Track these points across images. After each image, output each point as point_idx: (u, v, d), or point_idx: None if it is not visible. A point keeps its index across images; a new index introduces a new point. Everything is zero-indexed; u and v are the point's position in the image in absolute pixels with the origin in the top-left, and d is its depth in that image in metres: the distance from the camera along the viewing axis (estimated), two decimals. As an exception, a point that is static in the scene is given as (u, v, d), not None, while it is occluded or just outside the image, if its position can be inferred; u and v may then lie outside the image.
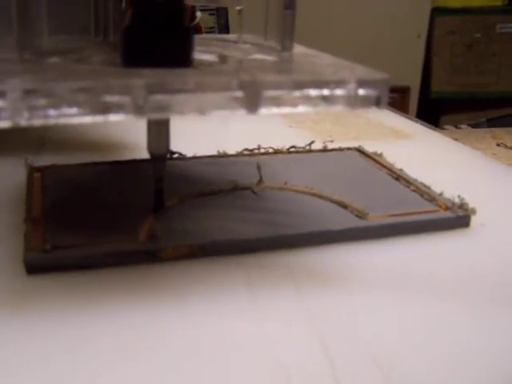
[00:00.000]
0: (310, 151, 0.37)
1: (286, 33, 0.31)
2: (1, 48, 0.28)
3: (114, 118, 0.21)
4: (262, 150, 0.36)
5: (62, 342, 0.20)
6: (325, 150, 0.38)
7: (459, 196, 0.30)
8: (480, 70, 1.31)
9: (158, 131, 0.28)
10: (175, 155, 0.34)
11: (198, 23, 0.61)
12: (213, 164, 0.34)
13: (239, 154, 0.36)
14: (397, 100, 1.23)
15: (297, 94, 0.24)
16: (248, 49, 0.32)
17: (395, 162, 0.36)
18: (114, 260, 0.24)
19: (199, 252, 0.25)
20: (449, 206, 0.30)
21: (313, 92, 0.24)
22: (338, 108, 0.24)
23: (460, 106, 1.29)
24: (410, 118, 0.57)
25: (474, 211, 0.30)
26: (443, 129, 0.66)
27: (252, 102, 0.23)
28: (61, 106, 0.21)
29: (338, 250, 0.27)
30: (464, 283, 0.25)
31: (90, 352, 0.19)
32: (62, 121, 0.21)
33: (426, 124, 0.63)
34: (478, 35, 1.29)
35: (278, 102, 0.23)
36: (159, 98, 0.22)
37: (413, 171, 0.34)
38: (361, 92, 0.24)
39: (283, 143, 0.38)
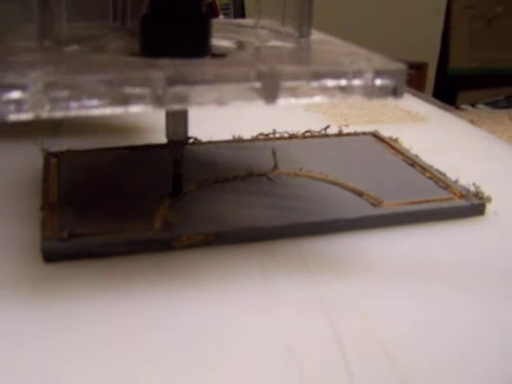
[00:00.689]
0: (326, 136, 0.38)
1: (304, 19, 0.32)
2: (19, 36, 0.28)
3: (133, 109, 0.22)
4: (277, 135, 0.37)
5: (79, 330, 0.21)
6: (340, 134, 0.38)
7: (474, 184, 0.31)
8: (500, 45, 1.29)
9: (177, 117, 0.29)
10: (190, 140, 0.35)
11: (213, 1, 0.61)
12: (228, 149, 0.35)
13: (254, 139, 0.36)
14: (413, 77, 1.21)
15: (314, 84, 0.24)
16: (265, 35, 0.33)
17: (411, 147, 0.36)
18: (130, 248, 0.25)
19: (214, 240, 0.26)
20: (464, 193, 0.30)
21: (330, 82, 0.24)
22: (355, 98, 0.25)
23: (478, 83, 1.27)
24: (427, 100, 0.57)
25: (489, 199, 0.30)
26: (460, 108, 0.66)
27: (270, 93, 0.23)
28: (82, 97, 0.21)
29: (352, 238, 0.27)
30: (478, 272, 0.26)
31: (106, 339, 0.20)
32: (83, 113, 0.21)
33: (442, 105, 0.63)
34: (499, 9, 1.26)
35: (295, 92, 0.24)
36: (178, 89, 0.22)
37: (428, 156, 0.35)
38: (378, 82, 0.25)
39: (299, 127, 0.39)
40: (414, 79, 1.22)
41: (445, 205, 0.29)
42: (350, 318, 0.22)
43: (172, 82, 0.22)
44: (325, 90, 0.24)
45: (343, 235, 0.27)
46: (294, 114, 0.44)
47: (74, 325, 0.21)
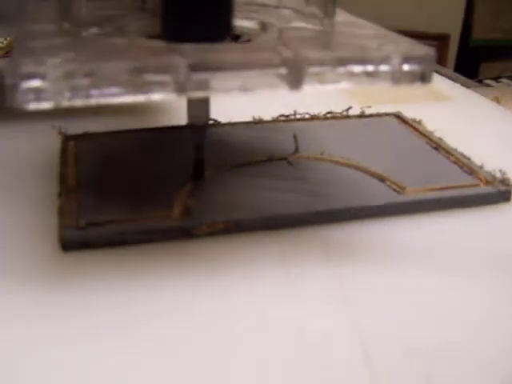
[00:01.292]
0: (347, 117, 0.37)
1: (329, -2, 0.31)
2: (38, 18, 0.28)
3: (155, 96, 0.22)
4: (298, 116, 0.36)
5: (98, 319, 0.21)
6: (362, 115, 0.37)
7: (501, 170, 0.30)
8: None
9: (199, 102, 0.29)
10: (210, 122, 0.34)
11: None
12: (248, 131, 0.34)
13: (275, 120, 0.36)
14: (435, 48, 1.19)
15: (341, 70, 0.23)
16: (288, 15, 0.32)
17: (434, 129, 0.35)
18: (149, 237, 0.24)
19: (234, 228, 0.25)
20: (489, 180, 0.30)
21: (357, 68, 0.24)
22: (383, 84, 0.24)
23: (502, 55, 1.24)
24: (450, 75, 0.56)
25: (515, 186, 0.30)
26: (483, 83, 0.64)
27: (295, 79, 0.23)
28: (102, 85, 0.21)
29: (374, 226, 0.27)
30: (505, 260, 0.25)
31: (126, 328, 0.20)
32: (104, 100, 0.21)
33: (464, 79, 0.61)
34: (525, -23, 1.22)
35: (321, 78, 0.23)
36: (201, 76, 0.22)
37: (452, 138, 0.34)
38: (405, 68, 0.24)
39: (321, 105, 0.38)
40: (435, 51, 1.20)
41: (470, 191, 0.29)
42: (370, 308, 0.22)
43: (195, 68, 0.21)
44: (351, 76, 0.24)
45: (365, 222, 0.27)
46: (317, 92, 0.43)
47: (92, 315, 0.21)
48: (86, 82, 0.21)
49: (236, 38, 0.29)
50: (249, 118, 0.36)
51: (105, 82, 0.21)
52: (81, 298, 0.22)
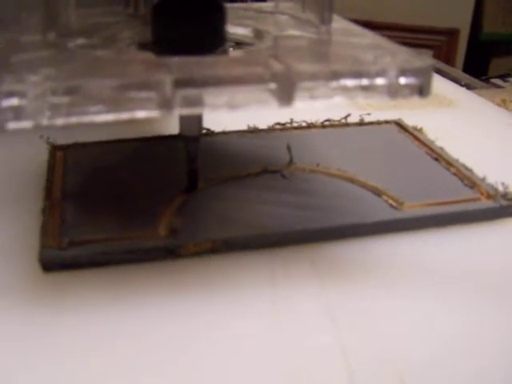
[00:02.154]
0: (346, 125, 0.36)
1: (325, 4, 0.30)
2: (24, 28, 0.27)
3: (140, 114, 0.21)
4: (295, 124, 0.36)
5: (79, 341, 0.20)
6: (361, 123, 0.36)
7: (503, 183, 0.29)
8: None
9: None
10: (203, 131, 0.34)
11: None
12: (242, 141, 0.34)
13: (270, 129, 0.35)
14: (444, 43, 1.17)
15: (334, 84, 0.23)
16: (284, 22, 0.31)
17: (436, 137, 0.35)
18: (133, 257, 0.24)
19: (223, 247, 0.25)
20: (491, 193, 0.29)
21: (351, 82, 0.23)
22: (378, 98, 0.24)
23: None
24: (456, 77, 0.55)
25: (519, 200, 0.29)
26: (489, 82, 0.63)
27: (285, 95, 0.22)
28: (84, 104, 0.20)
29: (369, 244, 0.26)
30: (506, 279, 0.24)
31: (107, 351, 0.20)
32: (86, 119, 0.21)
33: (470, 78, 0.60)
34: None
35: (313, 93, 0.22)
36: (188, 93, 0.21)
37: (454, 147, 0.33)
38: (402, 81, 0.23)
39: (320, 113, 0.37)
40: (444, 46, 1.18)
41: (470, 207, 0.28)
42: (359, 333, 0.21)
43: (181, 85, 0.21)
44: (345, 91, 0.23)
45: (360, 241, 0.26)
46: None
47: (72, 337, 0.20)
48: (66, 100, 0.20)
49: (229, 46, 0.28)
50: (244, 126, 0.35)
51: (86, 100, 0.20)
52: (61, 319, 0.21)
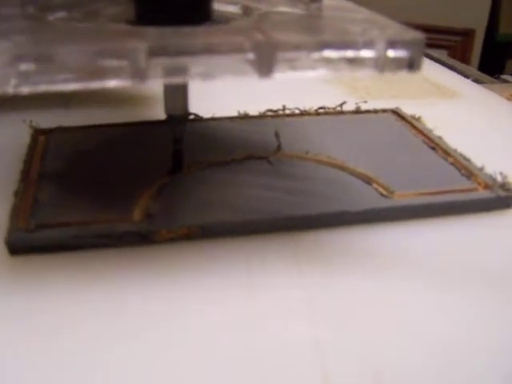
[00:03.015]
0: (341, 113, 0.35)
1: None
2: (2, 2, 0.27)
3: (110, 83, 0.20)
4: (288, 111, 0.35)
5: (43, 325, 0.19)
6: (357, 111, 0.35)
7: (501, 173, 0.28)
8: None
9: (175, 90, 0.27)
10: (190, 116, 0.33)
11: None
12: (231, 127, 0.33)
13: (261, 116, 0.34)
14: (459, 44, 1.16)
15: (316, 56, 0.22)
16: (277, 0, 0.30)
17: (435, 127, 0.34)
18: (104, 241, 0.23)
19: (198, 233, 0.24)
20: (489, 184, 0.27)
21: (335, 54, 0.22)
22: (365, 72, 0.23)
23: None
24: (464, 72, 0.54)
25: (517, 190, 0.27)
26: (501, 79, 0.62)
27: (265, 66, 0.21)
28: (52, 72, 0.20)
29: (356, 233, 0.25)
30: (502, 272, 0.23)
31: (75, 336, 0.19)
32: (54, 88, 0.20)
33: (480, 75, 0.59)
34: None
35: (294, 64, 0.22)
36: (160, 61, 0.20)
37: (454, 138, 0.32)
38: (391, 54, 0.22)
39: (317, 101, 0.36)
40: (459, 46, 1.17)
41: (466, 197, 0.26)
42: (336, 331, 0.20)
43: (154, 53, 0.20)
44: (329, 63, 0.22)
45: (345, 229, 0.25)
46: (311, 85, 0.41)
47: (37, 322, 0.20)
48: (33, 67, 0.20)
49: (214, 23, 0.27)
50: (235, 112, 0.34)
51: (55, 67, 0.20)
52: (23, 304, 0.20)
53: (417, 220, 0.26)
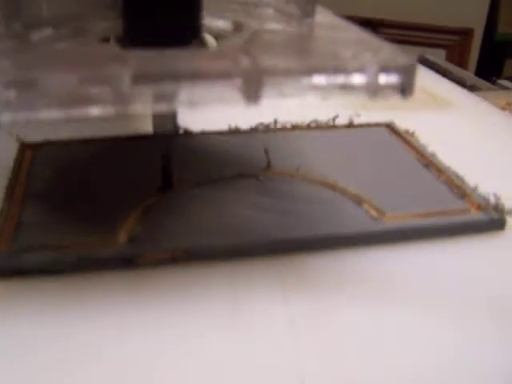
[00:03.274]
0: (333, 127, 0.35)
1: (308, -3, 0.29)
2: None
3: (94, 111, 0.20)
4: (279, 125, 0.34)
5: (25, 349, 0.19)
6: (350, 125, 0.35)
7: (495, 194, 0.28)
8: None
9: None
10: (180, 131, 0.32)
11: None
12: (221, 142, 0.32)
13: (252, 130, 0.33)
14: (457, 43, 1.15)
15: (305, 82, 0.21)
16: (267, 15, 0.30)
17: (429, 141, 0.33)
18: (87, 265, 0.22)
19: (182, 257, 0.23)
20: (481, 205, 0.27)
21: (325, 80, 0.21)
22: (356, 97, 0.22)
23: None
24: (459, 77, 0.53)
25: (510, 212, 0.27)
26: (497, 84, 0.61)
27: (252, 92, 0.20)
28: (34, 99, 0.19)
29: (344, 256, 0.24)
30: (491, 299, 0.23)
31: (51, 359, 0.19)
32: (36, 116, 0.19)
33: (477, 81, 0.58)
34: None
35: (282, 91, 0.21)
36: (145, 88, 0.20)
37: (448, 152, 0.32)
38: (383, 79, 0.22)
39: (310, 112, 0.36)
40: (457, 46, 1.16)
41: (458, 219, 0.26)
42: (319, 359, 0.19)
43: (138, 80, 0.20)
44: (318, 89, 0.22)
45: (335, 253, 0.24)
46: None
47: (19, 346, 0.19)
48: (14, 94, 0.19)
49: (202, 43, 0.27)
50: (226, 125, 0.34)
51: (37, 95, 0.19)
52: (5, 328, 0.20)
53: (407, 243, 0.25)
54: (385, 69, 0.22)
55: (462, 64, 1.13)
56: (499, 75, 1.08)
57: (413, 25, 1.13)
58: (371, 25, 1.11)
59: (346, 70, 0.21)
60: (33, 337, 0.20)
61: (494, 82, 0.63)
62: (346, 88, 0.22)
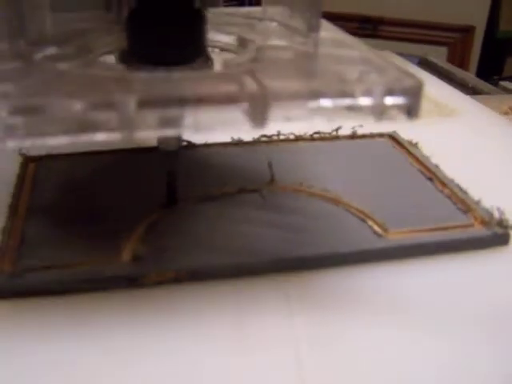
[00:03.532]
0: (337, 138, 0.35)
1: (313, 11, 0.28)
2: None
3: (100, 136, 0.20)
4: (282, 137, 0.34)
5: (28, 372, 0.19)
6: (353, 136, 0.35)
7: (499, 208, 0.28)
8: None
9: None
10: (183, 143, 0.32)
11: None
12: (224, 154, 0.32)
13: (255, 142, 0.33)
14: (459, 41, 1.15)
15: (312, 105, 0.21)
16: (271, 30, 0.29)
17: (432, 151, 0.33)
18: (91, 285, 0.22)
19: (185, 277, 0.23)
20: (485, 219, 0.27)
21: (331, 103, 0.21)
22: (362, 119, 0.22)
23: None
24: (462, 81, 0.53)
25: (515, 227, 0.27)
26: (499, 86, 0.61)
27: (258, 116, 0.20)
28: (39, 125, 0.19)
29: (349, 273, 0.24)
30: (497, 314, 0.23)
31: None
32: (41, 141, 0.19)
33: (479, 82, 0.58)
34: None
35: (289, 114, 0.21)
36: (151, 113, 0.20)
37: (452, 163, 0.32)
38: (389, 101, 0.22)
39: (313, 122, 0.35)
40: (459, 44, 1.16)
41: (461, 235, 0.26)
42: (325, 377, 0.20)
43: (143, 105, 0.20)
44: (325, 111, 0.22)
45: (339, 271, 0.24)
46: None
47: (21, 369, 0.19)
48: (20, 120, 0.19)
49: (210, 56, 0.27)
50: (229, 136, 0.34)
51: (42, 121, 0.19)
52: (10, 349, 0.20)
53: (411, 259, 0.25)
54: (391, 90, 0.22)
55: (464, 62, 1.13)
56: (501, 73, 1.08)
57: (414, 22, 1.12)
58: (371, 22, 1.10)
59: (352, 93, 0.21)
60: (35, 359, 0.20)
61: (495, 83, 0.63)
62: (352, 110, 0.22)
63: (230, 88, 0.21)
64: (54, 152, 0.31)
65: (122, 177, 0.30)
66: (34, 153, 0.31)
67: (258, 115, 0.20)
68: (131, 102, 0.19)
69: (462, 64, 1.10)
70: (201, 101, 0.20)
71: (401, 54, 0.59)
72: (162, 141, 0.27)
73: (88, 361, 0.20)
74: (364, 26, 1.13)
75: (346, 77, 0.22)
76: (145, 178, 0.29)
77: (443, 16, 1.14)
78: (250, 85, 0.21)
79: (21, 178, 0.29)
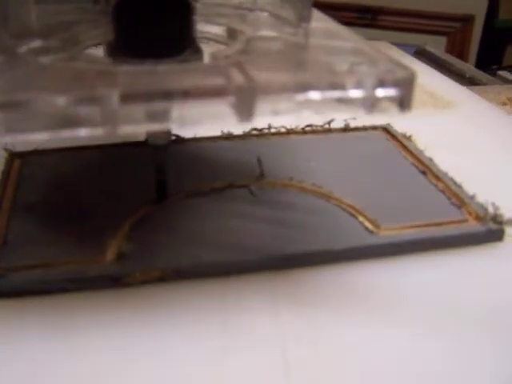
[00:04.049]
0: (329, 131, 0.34)
1: (304, 1, 0.28)
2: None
3: (84, 132, 0.19)
4: (273, 130, 0.34)
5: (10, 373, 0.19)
6: (346, 129, 0.35)
7: (493, 203, 0.27)
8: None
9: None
10: (171, 138, 0.32)
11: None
12: (213, 148, 0.32)
13: (246, 135, 0.33)
14: (458, 30, 1.14)
15: (300, 98, 0.21)
16: (261, 20, 0.29)
17: (426, 145, 0.33)
18: (75, 285, 0.22)
19: (171, 276, 0.23)
20: (480, 215, 0.27)
21: (320, 95, 0.21)
22: (352, 112, 0.22)
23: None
24: (459, 71, 0.53)
25: (510, 222, 0.27)
26: (497, 76, 0.61)
27: (245, 109, 0.20)
28: (21, 120, 0.19)
29: (339, 270, 0.24)
30: (492, 310, 0.23)
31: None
32: (23, 137, 0.19)
33: (477, 72, 0.58)
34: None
35: (276, 107, 0.21)
36: (135, 107, 0.19)
37: (446, 157, 0.31)
38: (380, 93, 0.22)
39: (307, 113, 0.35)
40: (458, 33, 1.15)
41: (455, 231, 0.26)
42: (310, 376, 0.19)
43: (127, 99, 0.19)
44: (313, 104, 0.21)
45: (329, 268, 0.24)
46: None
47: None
48: (1, 116, 0.19)
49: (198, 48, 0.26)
50: (219, 130, 0.33)
51: (24, 116, 0.19)
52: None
53: (404, 256, 0.25)
54: (382, 83, 0.21)
55: (463, 51, 1.12)
56: (500, 62, 1.07)
57: (413, 12, 1.11)
58: (370, 12, 1.10)
59: (342, 85, 0.21)
60: (18, 359, 0.19)
61: (494, 73, 0.63)
62: (343, 102, 0.21)
63: (217, 81, 0.20)
64: (41, 147, 0.31)
65: (111, 172, 0.29)
66: (20, 148, 0.30)
67: (245, 109, 0.20)
68: (114, 96, 0.19)
69: (462, 53, 1.09)
70: (186, 94, 0.20)
71: (398, 44, 0.59)
72: (151, 135, 0.26)
73: (73, 360, 0.20)
74: (363, 16, 1.12)
75: (336, 68, 0.22)
76: (134, 173, 0.29)
77: (443, 5, 1.13)
78: (237, 77, 0.20)
79: (5, 175, 0.28)
